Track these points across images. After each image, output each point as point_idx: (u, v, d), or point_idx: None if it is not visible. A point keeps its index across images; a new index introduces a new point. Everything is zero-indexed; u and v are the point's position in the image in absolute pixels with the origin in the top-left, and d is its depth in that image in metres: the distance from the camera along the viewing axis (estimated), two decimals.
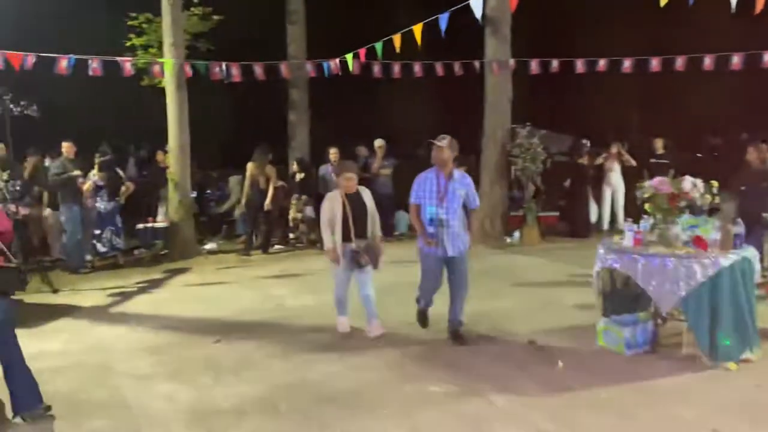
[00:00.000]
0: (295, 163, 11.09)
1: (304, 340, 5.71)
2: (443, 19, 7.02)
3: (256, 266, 9.33)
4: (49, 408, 4.20)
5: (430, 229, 5.32)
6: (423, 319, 5.72)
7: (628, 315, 5.28)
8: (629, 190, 10.67)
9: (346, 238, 5.57)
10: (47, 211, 9.76)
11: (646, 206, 5.25)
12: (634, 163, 11.08)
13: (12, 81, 7.81)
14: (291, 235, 11.02)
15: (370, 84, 11.93)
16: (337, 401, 4.35)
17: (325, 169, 10.69)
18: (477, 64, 10.68)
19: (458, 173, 5.45)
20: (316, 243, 10.72)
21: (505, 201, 10.81)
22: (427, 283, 5.54)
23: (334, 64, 10.02)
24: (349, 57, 9.52)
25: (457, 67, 10.74)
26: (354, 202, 5.61)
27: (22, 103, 7.74)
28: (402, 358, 5.12)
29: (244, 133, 13.17)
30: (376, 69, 10.39)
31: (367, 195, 5.73)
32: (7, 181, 8.50)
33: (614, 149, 11.16)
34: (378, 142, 11.31)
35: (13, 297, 4.30)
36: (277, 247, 10.57)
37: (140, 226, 10.69)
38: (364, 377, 4.77)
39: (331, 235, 5.59)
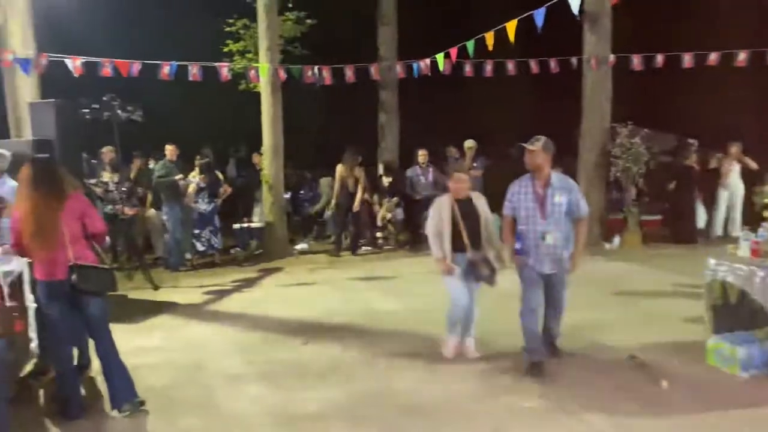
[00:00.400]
0: (381, 166, 11.09)
1: (391, 345, 5.62)
2: (539, 15, 6.72)
3: (345, 267, 9.37)
4: (143, 403, 4.34)
5: (525, 244, 4.81)
6: (537, 371, 4.73)
7: (744, 333, 4.81)
8: (747, 196, 9.88)
9: (458, 247, 4.99)
10: (151, 211, 10.27)
11: (765, 213, 4.76)
12: (755, 166, 10.18)
13: (119, 88, 8.23)
14: (379, 235, 11.03)
15: (460, 84, 11.71)
16: (422, 412, 4.22)
17: (413, 171, 10.60)
18: (574, 60, 10.23)
19: (557, 177, 4.86)
20: (404, 245, 10.69)
21: (604, 204, 10.29)
22: (529, 300, 4.83)
23: (424, 64, 9.90)
24: (439, 57, 9.36)
25: (553, 64, 10.33)
26: (465, 208, 5.04)
27: (128, 108, 8.15)
28: (492, 370, 4.92)
29: (337, 135, 13.30)
30: (468, 68, 10.19)
31: (481, 201, 5.16)
32: (116, 183, 9.03)
33: (734, 149, 10.32)
34: (468, 143, 11.09)
35: (107, 296, 4.42)
36: (365, 248, 10.59)
37: (236, 226, 11.05)
38: (451, 388, 4.61)
39: (440, 245, 5.04)
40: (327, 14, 11.99)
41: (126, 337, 5.96)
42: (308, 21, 11.39)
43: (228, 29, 11.16)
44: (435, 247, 5.05)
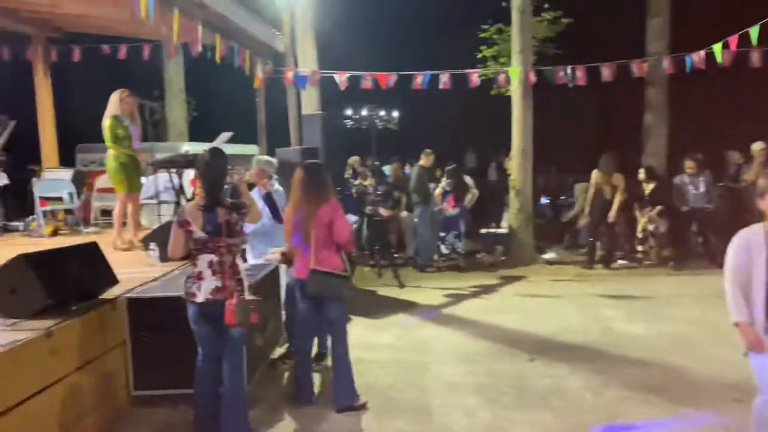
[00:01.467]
0: (642, 171, 10.04)
1: (626, 374, 5.04)
2: None
3: (593, 282, 8.72)
4: (364, 405, 4.51)
5: None
6: None
7: None
8: None
9: None
10: (404, 213, 10.84)
11: None
12: None
13: (377, 98, 8.89)
14: (639, 249, 10.03)
15: (743, 77, 10.04)
16: None
17: (680, 179, 9.39)
18: None
19: None
20: (668, 261, 9.56)
21: None
22: None
23: (697, 57, 8.72)
24: (717, 47, 8.16)
25: None
26: None
27: (385, 117, 8.76)
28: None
29: (596, 137, 12.50)
30: (755, 58, 8.68)
31: None
32: (374, 186, 9.76)
33: None
34: (757, 146, 9.45)
35: (345, 302, 4.67)
36: (620, 262, 9.72)
37: (484, 230, 11.07)
38: None
39: (745, 303, 3.24)
40: (584, 11, 11.32)
41: (364, 331, 6.39)
42: (563, 20, 10.89)
43: (482, 35, 11.24)
44: (736, 304, 3.25)
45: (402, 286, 8.68)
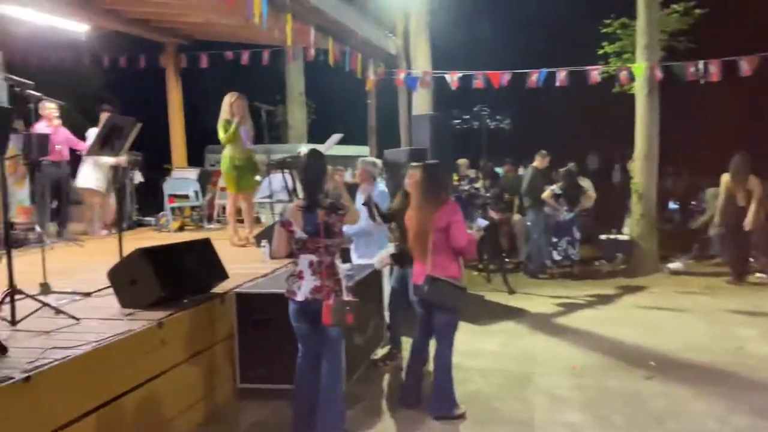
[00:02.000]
0: None
1: (758, 401, 4.52)
2: None
3: (725, 296, 7.96)
4: (462, 415, 4.38)
5: None
6: None
7: None
8: None
9: None
10: (517, 216, 10.52)
11: None
12: None
13: (489, 98, 8.67)
14: None
15: None
16: None
17: None
18: None
19: None
20: None
21: None
22: None
23: None
24: None
25: None
26: None
27: (497, 117, 8.53)
28: None
29: (740, 137, 11.40)
30: None
31: None
32: (486, 189, 9.55)
33: None
34: None
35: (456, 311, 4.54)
36: (758, 275, 8.81)
37: (603, 236, 10.49)
38: None
39: None
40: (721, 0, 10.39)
41: (469, 338, 6.22)
42: (697, 11, 10.05)
43: (604, 30, 10.64)
44: None
45: (511, 292, 8.41)
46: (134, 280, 4.17)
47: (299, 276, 3.87)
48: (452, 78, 9.23)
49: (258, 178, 7.60)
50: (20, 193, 8.56)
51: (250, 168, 7.09)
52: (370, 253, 5.72)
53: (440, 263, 4.29)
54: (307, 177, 3.93)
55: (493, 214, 9.36)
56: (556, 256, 9.39)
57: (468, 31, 11.75)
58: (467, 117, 8.58)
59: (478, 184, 9.63)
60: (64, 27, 8.06)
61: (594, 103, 12.18)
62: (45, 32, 8.32)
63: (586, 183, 9.87)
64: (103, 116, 7.78)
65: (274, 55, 10.18)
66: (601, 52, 10.63)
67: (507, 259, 9.96)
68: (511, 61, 9.34)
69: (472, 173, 10.62)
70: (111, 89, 14.97)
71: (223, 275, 4.73)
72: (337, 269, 3.90)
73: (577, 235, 9.39)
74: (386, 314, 5.81)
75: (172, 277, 4.22)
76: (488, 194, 9.21)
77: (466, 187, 9.67)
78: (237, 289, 4.72)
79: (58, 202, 8.14)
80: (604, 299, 8.05)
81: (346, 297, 3.86)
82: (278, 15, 5.78)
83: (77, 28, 8.14)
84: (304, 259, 3.86)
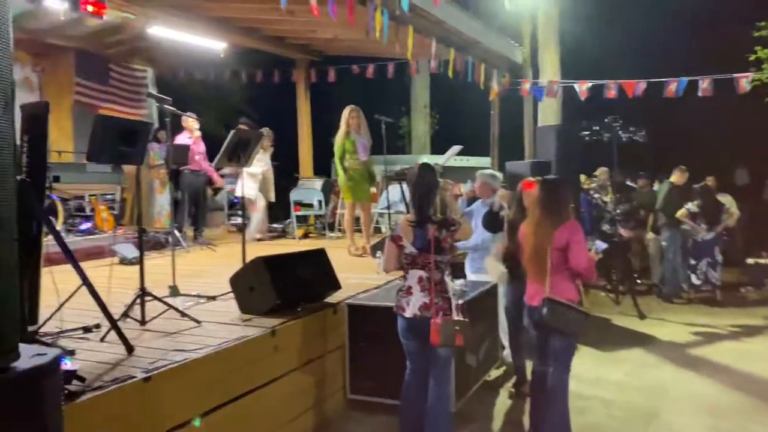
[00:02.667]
0: None
1: None
2: None
3: None
4: None
5: None
6: None
7: None
8: None
9: None
10: (650, 235, 9.80)
11: None
12: None
13: (622, 108, 8.15)
14: None
15: None
16: None
17: None
18: None
19: None
20: None
21: None
22: None
23: None
24: None
25: None
26: None
27: (630, 129, 7.99)
28: None
29: None
30: None
31: None
32: (615, 204, 8.98)
33: None
34: None
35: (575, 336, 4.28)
36: None
37: (750, 260, 9.50)
38: None
39: None
40: None
41: (591, 363, 5.87)
42: None
43: (757, 34, 9.67)
44: None
45: (642, 316, 7.82)
46: (252, 287, 4.33)
47: (408, 291, 3.81)
48: (581, 87, 8.80)
49: (373, 189, 7.72)
50: (161, 199, 9.34)
51: (366, 179, 7.22)
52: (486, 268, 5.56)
53: (558, 285, 4.03)
54: (418, 191, 3.86)
55: (623, 232, 8.82)
56: (695, 280, 8.61)
57: (599, 37, 11.17)
58: (597, 128, 8.10)
59: (607, 198, 9.08)
60: (204, 45, 8.67)
61: (741, 115, 11.07)
62: (189, 50, 9.00)
63: (726, 199, 8.99)
64: (242, 127, 8.26)
65: (399, 68, 10.29)
66: (752, 57, 9.65)
67: (638, 281, 9.31)
68: (646, 69, 8.72)
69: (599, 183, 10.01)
70: (251, 103, 15.96)
71: (337, 285, 4.79)
72: (447, 286, 3.79)
73: (719, 257, 8.56)
74: (502, 334, 5.62)
75: (287, 286, 4.34)
76: (617, 210, 8.66)
77: (595, 196, 9.16)
78: (349, 300, 4.76)
79: (196, 208, 8.73)
80: (750, 330, 7.26)
81: (456, 316, 3.74)
82: (399, 29, 5.80)
83: (215, 45, 8.72)
84: (414, 275, 3.80)
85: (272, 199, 9.25)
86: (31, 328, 3.42)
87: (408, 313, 3.77)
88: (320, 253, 4.82)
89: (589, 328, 6.99)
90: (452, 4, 7.07)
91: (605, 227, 8.87)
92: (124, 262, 6.54)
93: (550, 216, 4.07)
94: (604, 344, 6.52)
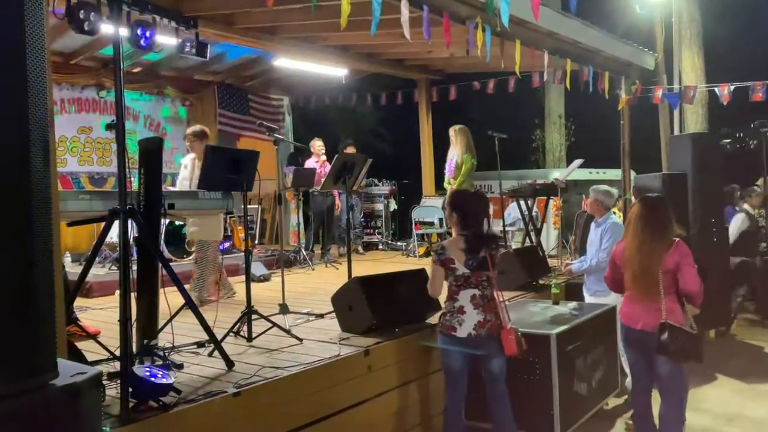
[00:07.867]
0: None
1: None
2: None
3: None
4: None
5: None
6: None
7: None
8: None
9: None
10: None
11: None
12: None
13: None
14: None
15: None
16: None
17: None
18: None
19: None
20: None
21: None
22: None
23: None
24: None
25: None
26: None
27: None
28: None
29: None
30: None
31: None
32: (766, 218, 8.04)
33: None
34: None
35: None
36: None
37: None
38: None
39: None
40: None
41: (731, 398, 5.34)
42: None
43: None
44: None
45: None
46: (351, 306, 4.43)
47: (460, 311, 3.83)
48: (723, 91, 8.00)
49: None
50: (293, 219, 9.87)
51: None
52: (604, 289, 5.22)
53: (669, 308, 3.75)
54: (469, 210, 3.91)
55: None
56: None
57: (742, 35, 10.10)
58: (740, 135, 7.30)
59: (756, 212, 8.10)
60: (328, 73, 9.13)
61: None
62: (315, 78, 9.51)
63: None
64: (348, 150, 8.58)
65: (527, 80, 10.03)
66: None
67: None
68: None
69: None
70: (383, 124, 16.44)
71: (437, 306, 4.74)
72: (498, 302, 3.85)
73: None
74: (623, 360, 5.23)
75: (384, 306, 4.38)
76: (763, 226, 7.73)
77: (751, 211, 8.22)
78: None
79: (323, 228, 9.14)
80: None
81: (510, 327, 3.81)
82: (505, 43, 5.68)
83: (338, 72, 9.13)
84: (465, 294, 3.84)
85: None
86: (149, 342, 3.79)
87: (461, 333, 3.80)
88: (420, 273, 4.82)
89: (733, 355, 6.35)
90: (566, 14, 6.80)
91: (763, 245, 7.97)
92: (253, 279, 7.01)
93: (657, 236, 3.83)
94: (750, 376, 5.85)
